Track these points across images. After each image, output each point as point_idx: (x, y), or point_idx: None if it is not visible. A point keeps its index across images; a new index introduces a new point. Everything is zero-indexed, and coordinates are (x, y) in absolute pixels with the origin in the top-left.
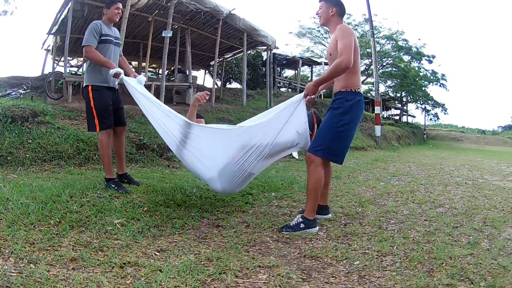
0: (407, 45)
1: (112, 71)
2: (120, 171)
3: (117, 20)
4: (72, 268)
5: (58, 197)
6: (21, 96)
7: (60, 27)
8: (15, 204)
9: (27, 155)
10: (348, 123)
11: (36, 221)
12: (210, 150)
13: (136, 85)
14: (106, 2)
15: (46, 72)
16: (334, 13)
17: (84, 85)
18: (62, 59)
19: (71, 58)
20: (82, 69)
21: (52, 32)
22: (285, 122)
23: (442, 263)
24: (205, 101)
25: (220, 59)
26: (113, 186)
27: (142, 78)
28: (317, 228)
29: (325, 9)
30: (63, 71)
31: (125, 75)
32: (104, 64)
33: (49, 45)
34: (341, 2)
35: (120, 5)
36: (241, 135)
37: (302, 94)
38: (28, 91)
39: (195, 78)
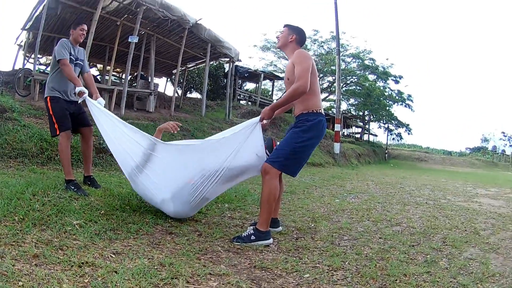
0: (373, 64)
1: (77, 89)
2: (86, 173)
3: (81, 41)
4: (35, 264)
5: (22, 195)
6: None
7: (34, 23)
8: None
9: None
10: (307, 140)
11: (1, 216)
12: (170, 171)
13: (97, 105)
14: (73, 23)
15: (16, 67)
16: (293, 40)
17: (44, 96)
18: (33, 56)
19: (41, 56)
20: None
21: (26, 27)
22: (240, 145)
23: (396, 280)
24: (174, 132)
25: (183, 68)
26: (73, 187)
27: (102, 100)
28: (271, 240)
29: (286, 34)
30: (32, 69)
31: (89, 95)
32: (72, 81)
33: (21, 41)
34: (303, 32)
35: (85, 27)
36: (200, 152)
37: (258, 118)
38: None
39: (156, 85)
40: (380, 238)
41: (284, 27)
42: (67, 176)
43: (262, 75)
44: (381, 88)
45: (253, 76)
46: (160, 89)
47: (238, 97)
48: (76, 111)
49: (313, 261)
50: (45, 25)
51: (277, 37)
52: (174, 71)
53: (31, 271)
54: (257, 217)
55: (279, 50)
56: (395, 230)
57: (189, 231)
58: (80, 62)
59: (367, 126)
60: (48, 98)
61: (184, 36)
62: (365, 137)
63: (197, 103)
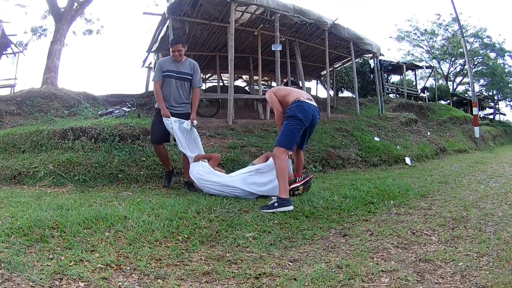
0: (491, 42)
1: (162, 113)
2: (185, 178)
3: (179, 59)
4: (206, 281)
5: (184, 214)
6: (126, 114)
7: (161, 44)
8: (135, 222)
9: (142, 172)
10: (290, 124)
11: (162, 237)
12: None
13: (175, 128)
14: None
15: (150, 89)
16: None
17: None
18: None
19: None
20: None
21: (152, 50)
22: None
23: None
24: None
25: (330, 69)
26: (165, 177)
27: (188, 123)
28: (291, 207)
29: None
30: None
31: (186, 115)
32: (159, 103)
33: (150, 63)
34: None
35: (179, 46)
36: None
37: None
38: (133, 108)
39: (309, 89)
40: None
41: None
42: (166, 168)
43: (405, 66)
44: (502, 65)
45: (396, 68)
46: (312, 91)
47: (386, 91)
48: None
49: (466, 249)
50: None
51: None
52: (322, 73)
53: None
54: (415, 210)
55: (415, 37)
56: None
57: (361, 232)
58: (185, 76)
59: (497, 106)
60: (155, 108)
61: (325, 38)
62: (496, 117)
63: (350, 102)
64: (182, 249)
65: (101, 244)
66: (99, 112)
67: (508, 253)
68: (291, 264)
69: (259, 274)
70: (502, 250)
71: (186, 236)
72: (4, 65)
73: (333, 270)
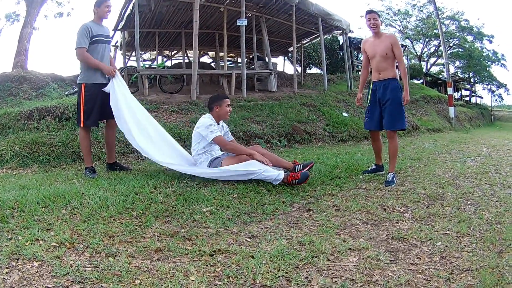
0: (468, 25)
1: (105, 72)
2: (111, 160)
3: (107, 17)
4: (157, 259)
5: (141, 189)
6: None
7: (127, 22)
8: (91, 198)
9: (104, 150)
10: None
11: (116, 214)
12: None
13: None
14: (96, 1)
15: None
16: (381, 24)
17: (78, 82)
18: (133, 53)
19: (143, 52)
20: (157, 62)
21: (119, 28)
22: None
23: (510, 244)
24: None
25: (298, 45)
26: (88, 173)
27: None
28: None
29: (379, 20)
30: (135, 66)
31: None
32: (97, 67)
33: (116, 41)
34: None
35: (110, 3)
36: None
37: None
38: None
39: (275, 64)
40: (496, 201)
41: (373, 13)
42: (86, 164)
43: None
44: (479, 48)
45: None
46: (279, 68)
47: (356, 67)
48: (108, 98)
49: (444, 228)
50: (141, 22)
51: (374, 24)
52: (290, 49)
53: (151, 267)
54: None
55: (387, 16)
56: (507, 193)
57: (327, 207)
58: (110, 39)
59: (473, 89)
60: (83, 85)
61: (293, 13)
62: (473, 99)
63: (318, 78)
64: (136, 225)
65: (57, 222)
66: (65, 92)
67: (492, 234)
68: (249, 240)
69: (214, 251)
70: (485, 231)
71: (141, 211)
72: None
73: (294, 247)
